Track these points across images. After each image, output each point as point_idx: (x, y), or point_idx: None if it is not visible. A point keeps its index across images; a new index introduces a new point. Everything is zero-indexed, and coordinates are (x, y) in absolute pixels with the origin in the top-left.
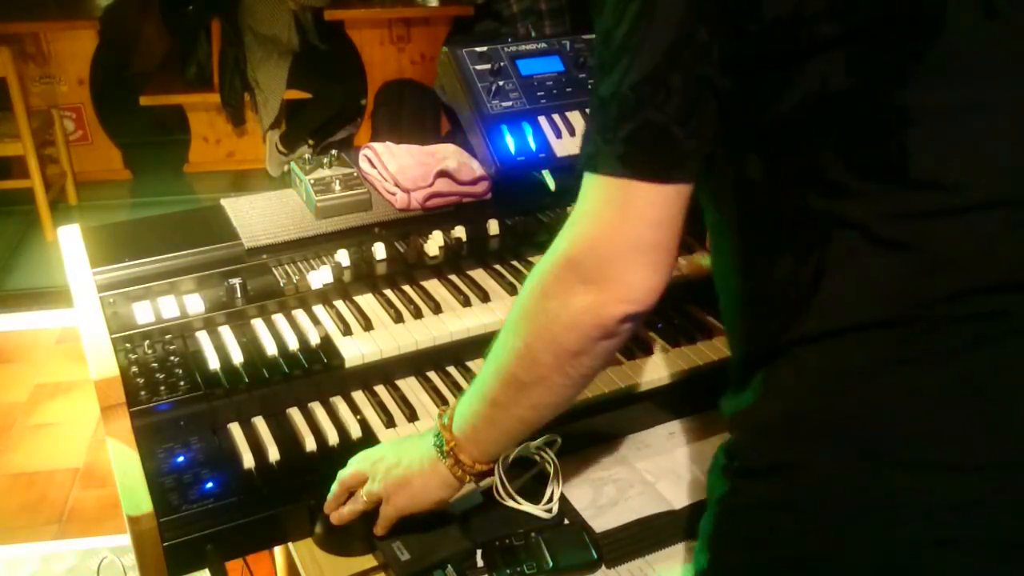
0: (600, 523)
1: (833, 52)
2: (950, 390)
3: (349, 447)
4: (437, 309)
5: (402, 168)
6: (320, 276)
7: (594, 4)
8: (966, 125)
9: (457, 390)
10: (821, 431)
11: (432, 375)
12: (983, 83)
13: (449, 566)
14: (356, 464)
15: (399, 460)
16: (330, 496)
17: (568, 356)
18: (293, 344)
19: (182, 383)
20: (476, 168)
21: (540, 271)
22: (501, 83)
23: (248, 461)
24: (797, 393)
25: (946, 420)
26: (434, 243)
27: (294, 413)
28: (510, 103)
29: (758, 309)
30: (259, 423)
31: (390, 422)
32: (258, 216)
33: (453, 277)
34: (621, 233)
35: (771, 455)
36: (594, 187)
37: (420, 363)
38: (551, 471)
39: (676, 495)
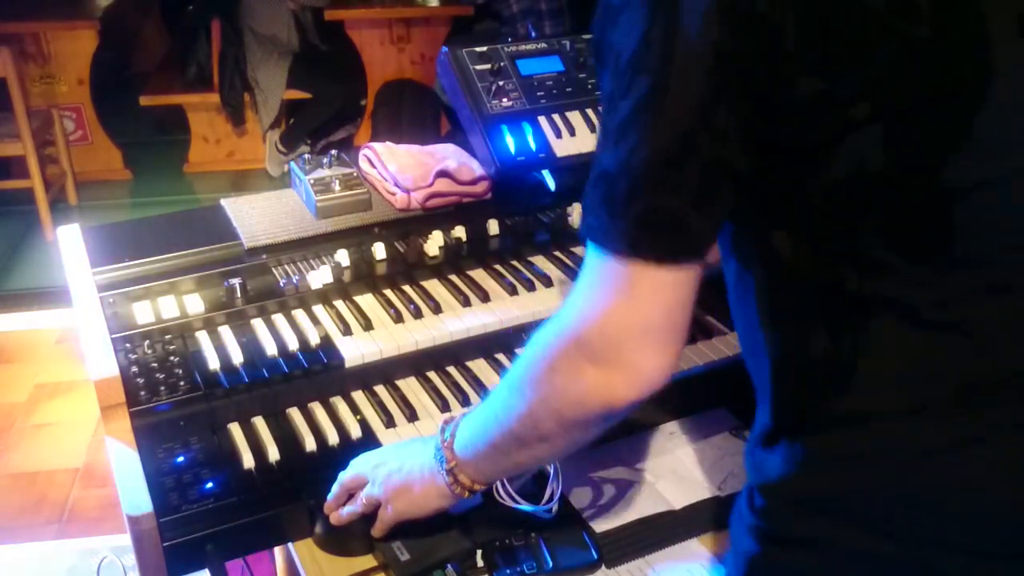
0: (600, 523)
1: (870, 130)
2: (995, 476)
3: (349, 447)
4: (437, 309)
5: (402, 168)
6: (320, 276)
7: (597, 59)
8: (1011, 198)
9: (457, 390)
10: (860, 512)
11: (432, 375)
12: None
13: (449, 566)
14: (357, 467)
15: (400, 466)
16: (330, 497)
17: (571, 425)
18: (293, 344)
19: (182, 383)
20: (476, 168)
21: (547, 342)
22: (501, 83)
23: (248, 461)
24: (837, 472)
25: (990, 506)
26: (434, 243)
27: (294, 413)
28: (510, 103)
29: (790, 378)
30: (259, 423)
31: (390, 422)
32: (258, 216)
33: (453, 277)
34: (630, 316)
35: (807, 530)
36: (601, 263)
37: (420, 363)
38: (551, 471)
39: (676, 495)
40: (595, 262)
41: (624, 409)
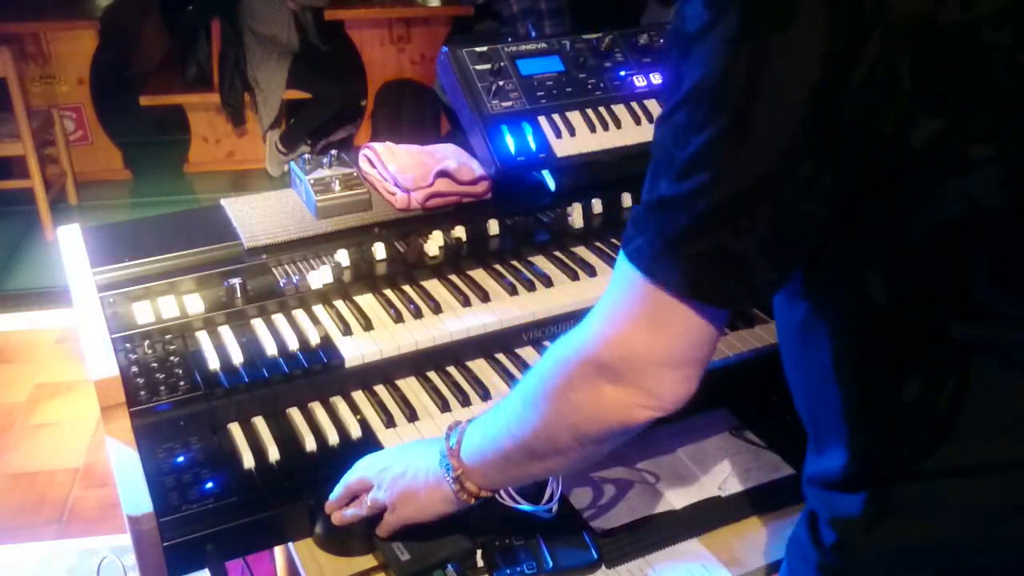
0: (600, 523)
1: (988, 170)
2: None
3: (349, 447)
4: (437, 309)
5: (402, 168)
6: (320, 276)
7: (666, 83)
8: None
9: (457, 390)
10: (948, 564)
11: (432, 375)
12: None
13: (449, 566)
14: (361, 470)
15: (405, 470)
16: (333, 497)
17: (588, 441)
18: (293, 344)
19: (182, 383)
20: (476, 168)
21: (566, 357)
22: (501, 83)
23: (248, 461)
24: (928, 521)
25: None
26: (434, 243)
27: (294, 413)
28: (510, 103)
29: (877, 428)
30: (259, 423)
31: (390, 422)
32: (258, 216)
33: (453, 277)
34: (655, 346)
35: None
36: (635, 285)
37: (420, 363)
38: None
39: (676, 495)
40: (627, 283)
41: (642, 427)
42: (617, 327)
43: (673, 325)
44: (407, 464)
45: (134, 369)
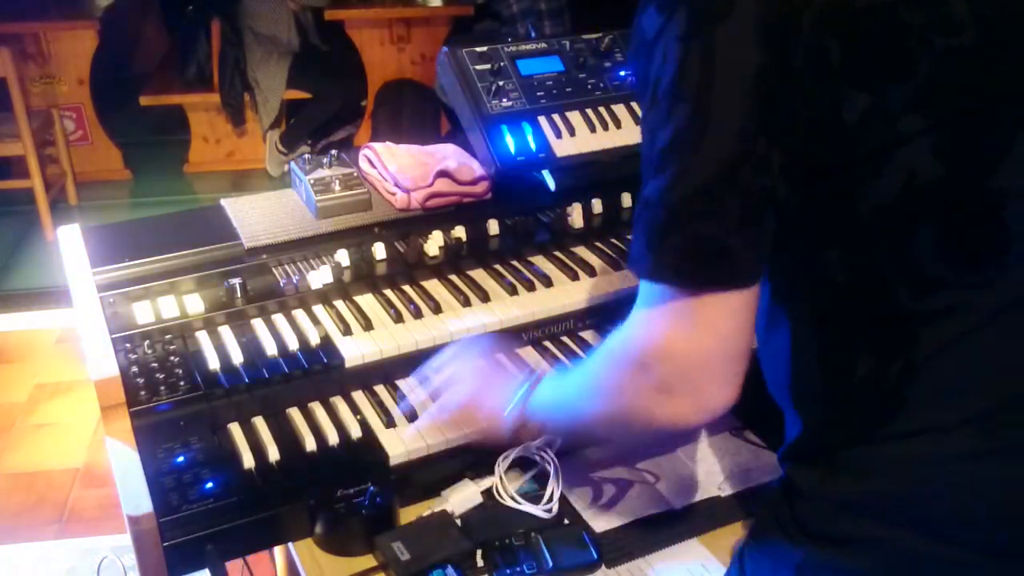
0: (600, 523)
1: (920, 142)
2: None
3: (349, 447)
4: (437, 309)
5: (402, 168)
6: (320, 276)
7: (639, 95)
8: None
9: None
10: (912, 515)
11: None
12: None
13: (449, 566)
14: (453, 366)
15: (480, 390)
16: (417, 376)
17: (640, 433)
18: (293, 344)
19: (182, 383)
20: (476, 168)
21: (615, 360)
22: (501, 83)
23: (248, 461)
24: (891, 477)
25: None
26: (434, 243)
27: (294, 413)
28: (510, 103)
29: (838, 405)
30: (259, 423)
31: (390, 422)
32: (258, 216)
33: (453, 277)
34: (689, 347)
35: (855, 529)
36: (648, 291)
37: (420, 363)
38: (551, 471)
39: (676, 495)
40: (644, 289)
41: (693, 427)
42: (652, 332)
43: (697, 322)
44: (492, 385)
45: (134, 369)
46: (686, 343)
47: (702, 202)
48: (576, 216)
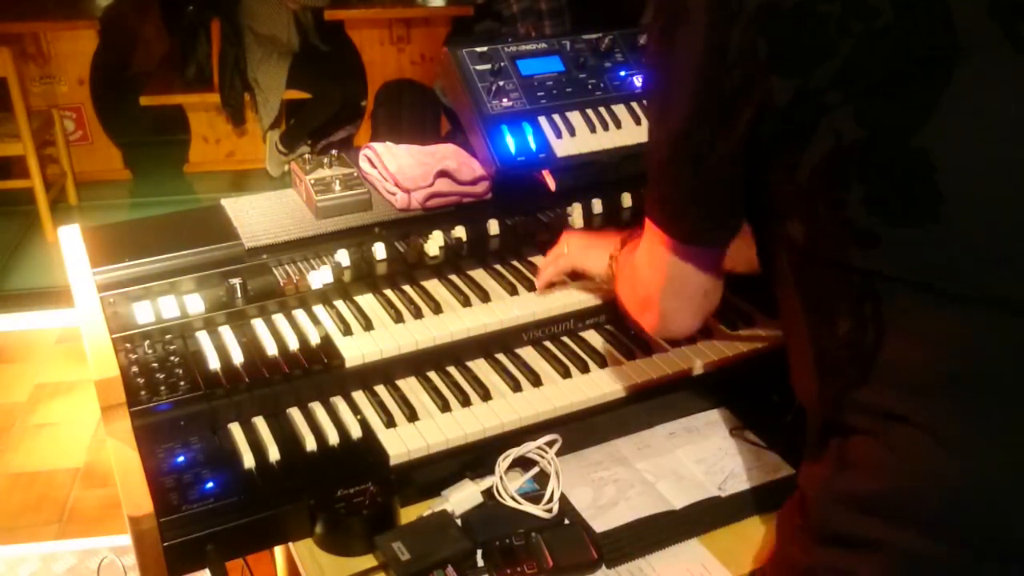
0: (600, 523)
1: (842, 108)
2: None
3: (349, 447)
4: (437, 309)
5: (402, 168)
6: (320, 276)
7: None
8: (995, 157)
9: (457, 390)
10: (909, 514)
11: (432, 375)
12: (1009, 111)
13: (449, 566)
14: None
15: (597, 246)
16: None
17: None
18: (293, 344)
19: (182, 383)
20: (476, 168)
21: (621, 271)
22: (501, 83)
23: (248, 461)
24: (879, 470)
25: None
26: (434, 243)
27: (294, 413)
28: (510, 103)
29: (826, 373)
30: (259, 423)
31: (390, 422)
32: (258, 216)
33: (453, 277)
34: (655, 276)
35: (859, 529)
36: (648, 224)
37: (420, 363)
38: (551, 471)
39: (676, 495)
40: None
41: (661, 339)
42: (639, 257)
43: (663, 259)
44: (595, 245)
45: (134, 369)
46: (655, 273)
47: (665, 170)
48: (576, 216)
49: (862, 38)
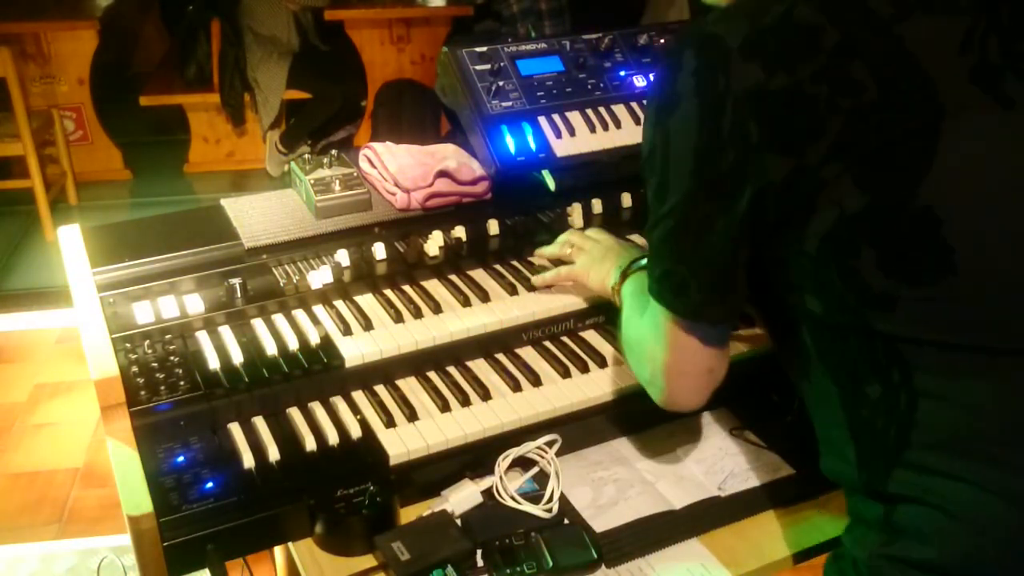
0: (600, 523)
1: (841, 179)
2: None
3: (349, 447)
4: (437, 309)
5: (402, 168)
6: (320, 276)
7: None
8: (996, 206)
9: (457, 390)
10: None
11: (432, 375)
12: (1002, 160)
13: (449, 566)
14: (577, 243)
15: (592, 264)
16: (548, 251)
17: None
18: (293, 344)
19: (182, 383)
20: (476, 168)
21: (634, 344)
22: (501, 83)
23: (248, 461)
24: (936, 536)
25: None
26: (434, 243)
27: (294, 413)
28: (510, 103)
29: (864, 440)
30: (259, 423)
31: (390, 422)
32: (258, 216)
33: (453, 277)
34: (659, 356)
35: None
36: (654, 305)
37: (420, 363)
38: (551, 471)
39: (676, 495)
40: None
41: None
42: (645, 331)
43: (666, 337)
44: (605, 261)
45: (134, 369)
46: (659, 349)
47: (666, 246)
48: (576, 216)
49: (851, 114)
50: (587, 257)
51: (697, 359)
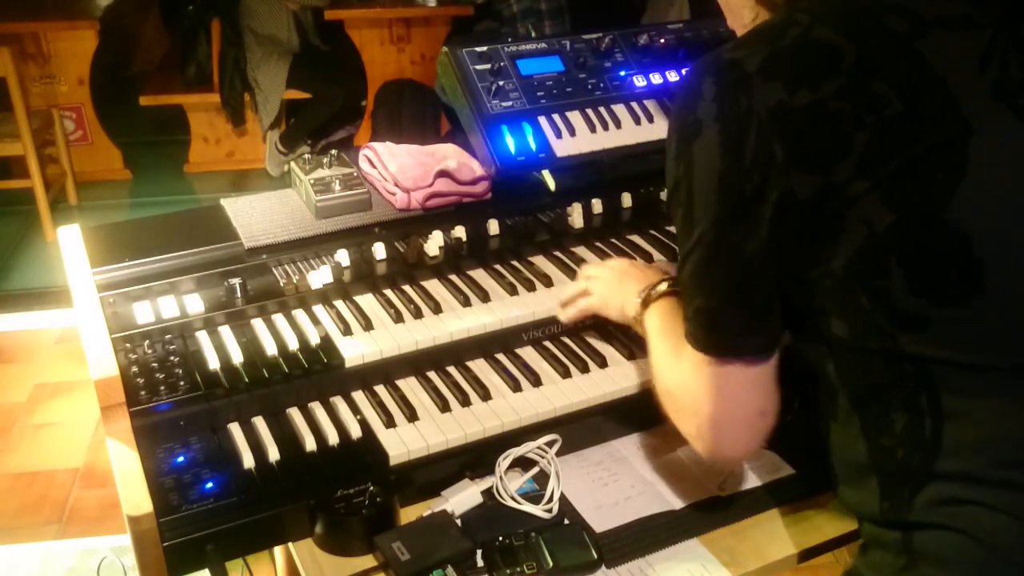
0: (600, 523)
1: (868, 197)
2: None
3: (349, 447)
4: (437, 309)
5: (402, 168)
6: (320, 276)
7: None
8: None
9: (457, 390)
10: None
11: (432, 375)
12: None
13: (449, 566)
14: (597, 278)
15: (617, 290)
16: (568, 294)
17: None
18: (293, 344)
19: (182, 383)
20: (476, 168)
21: (669, 390)
22: (501, 83)
23: (248, 461)
24: (961, 563)
25: None
26: (434, 243)
27: (294, 413)
28: (510, 103)
29: (886, 470)
30: (259, 423)
31: (390, 422)
32: (258, 216)
33: (453, 277)
34: (698, 406)
35: None
36: (690, 351)
37: (420, 363)
38: (551, 471)
39: (676, 495)
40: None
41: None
42: (689, 389)
43: (712, 385)
44: (614, 294)
45: (134, 369)
46: (702, 398)
47: (696, 280)
48: (576, 216)
49: (875, 129)
50: (602, 285)
51: (745, 403)
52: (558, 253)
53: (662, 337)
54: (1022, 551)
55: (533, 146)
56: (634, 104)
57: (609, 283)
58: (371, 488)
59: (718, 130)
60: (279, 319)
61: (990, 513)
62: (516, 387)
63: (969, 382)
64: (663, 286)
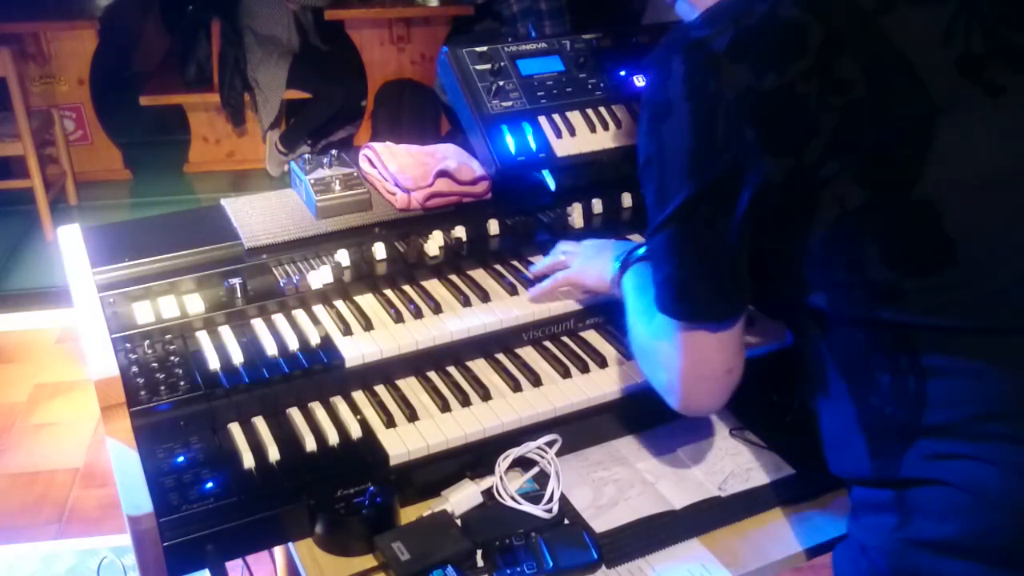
0: (600, 523)
1: (840, 176)
2: None
3: (349, 447)
4: (437, 309)
5: (402, 168)
6: (320, 276)
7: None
8: (993, 194)
9: (457, 390)
10: (994, 547)
11: (432, 375)
12: (996, 148)
13: (449, 566)
14: (564, 255)
15: (597, 258)
16: (536, 268)
17: None
18: (293, 344)
19: (182, 383)
20: (476, 168)
21: (636, 336)
22: (501, 83)
23: (248, 461)
24: (955, 514)
25: None
26: (434, 243)
27: (294, 413)
28: (510, 103)
29: (875, 431)
30: (259, 423)
31: (390, 422)
32: (258, 216)
33: (453, 277)
34: (671, 362)
35: (945, 570)
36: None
37: (420, 363)
38: (551, 471)
39: (676, 495)
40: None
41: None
42: (654, 335)
43: (673, 343)
44: (599, 259)
45: (134, 369)
46: (674, 357)
47: (666, 252)
48: (576, 216)
49: (843, 111)
50: (581, 258)
51: (714, 361)
52: None
53: (638, 296)
54: (1011, 500)
55: (533, 146)
56: (634, 104)
57: (586, 254)
58: (371, 488)
59: (688, 111)
60: (279, 319)
61: (978, 465)
62: (516, 387)
63: (946, 343)
64: (642, 250)
